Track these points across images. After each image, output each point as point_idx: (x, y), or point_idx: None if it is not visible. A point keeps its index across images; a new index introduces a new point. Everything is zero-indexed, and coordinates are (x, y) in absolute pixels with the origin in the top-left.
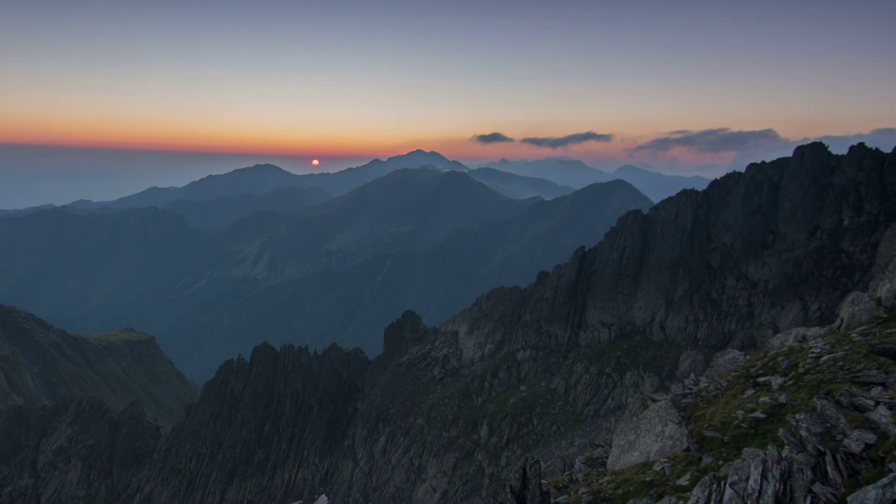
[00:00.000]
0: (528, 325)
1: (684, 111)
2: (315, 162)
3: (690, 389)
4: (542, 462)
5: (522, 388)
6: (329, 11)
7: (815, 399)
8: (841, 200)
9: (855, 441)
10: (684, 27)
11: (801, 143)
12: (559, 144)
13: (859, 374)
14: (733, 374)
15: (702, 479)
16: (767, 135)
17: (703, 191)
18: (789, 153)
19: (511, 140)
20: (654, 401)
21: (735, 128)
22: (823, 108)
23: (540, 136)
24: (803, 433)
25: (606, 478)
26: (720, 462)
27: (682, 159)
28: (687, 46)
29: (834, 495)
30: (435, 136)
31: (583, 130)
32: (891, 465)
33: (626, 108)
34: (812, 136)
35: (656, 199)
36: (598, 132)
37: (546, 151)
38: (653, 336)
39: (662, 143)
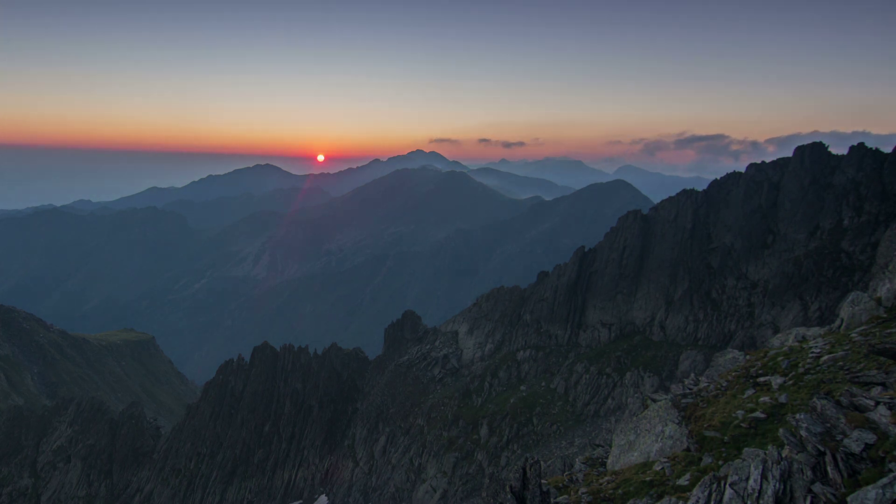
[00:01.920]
0: (528, 325)
1: (645, 115)
2: (320, 158)
3: (690, 389)
4: (542, 462)
5: (522, 388)
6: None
7: (815, 399)
8: (841, 200)
9: (855, 441)
10: (637, 37)
11: (755, 142)
12: (514, 145)
13: (859, 374)
14: (733, 374)
15: (702, 479)
16: (722, 139)
17: (703, 191)
18: (744, 153)
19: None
20: (654, 401)
21: (695, 131)
22: (770, 111)
23: (495, 139)
24: (803, 433)
25: (606, 478)
26: (720, 462)
27: (651, 160)
28: (644, 53)
29: (834, 495)
30: (403, 140)
31: (535, 136)
32: (891, 465)
33: (579, 113)
34: (762, 138)
35: (656, 199)
36: (544, 138)
37: (500, 152)
38: (653, 336)
39: (622, 146)
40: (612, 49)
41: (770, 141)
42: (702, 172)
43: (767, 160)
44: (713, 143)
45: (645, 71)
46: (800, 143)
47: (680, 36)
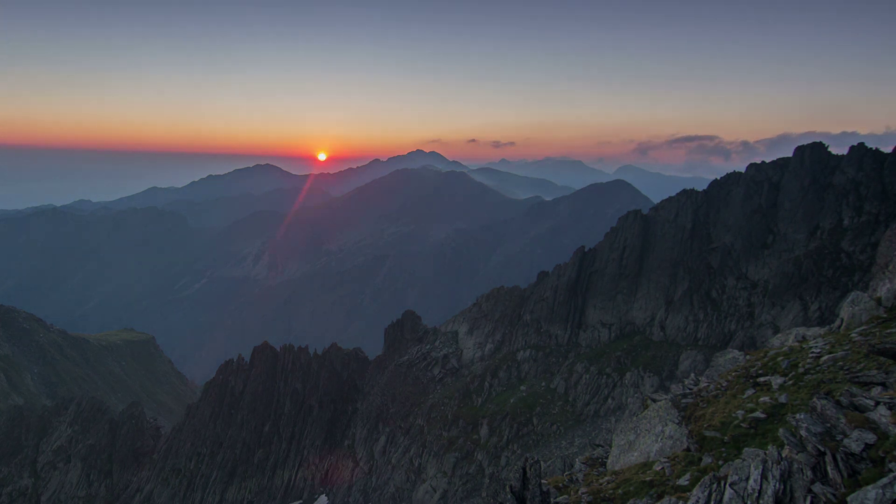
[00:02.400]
0: (528, 325)
1: (634, 116)
2: (321, 157)
3: (690, 389)
4: (542, 462)
5: (522, 388)
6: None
7: (815, 399)
8: (841, 200)
9: (855, 441)
10: (624, 39)
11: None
12: (505, 145)
13: (859, 374)
14: (733, 374)
15: (702, 479)
16: (713, 139)
17: (703, 191)
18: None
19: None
20: (654, 401)
21: (685, 132)
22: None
23: (483, 140)
24: (803, 433)
25: (606, 478)
26: (720, 462)
27: (645, 159)
28: (634, 55)
29: (834, 495)
30: (397, 142)
31: (526, 136)
32: (891, 465)
33: (569, 114)
34: (753, 138)
35: (656, 199)
36: (535, 139)
37: (489, 152)
38: (653, 336)
39: (612, 146)
40: (600, 51)
41: (760, 142)
42: (694, 172)
43: (755, 160)
44: (704, 144)
45: (634, 72)
46: (782, 144)
47: (670, 39)
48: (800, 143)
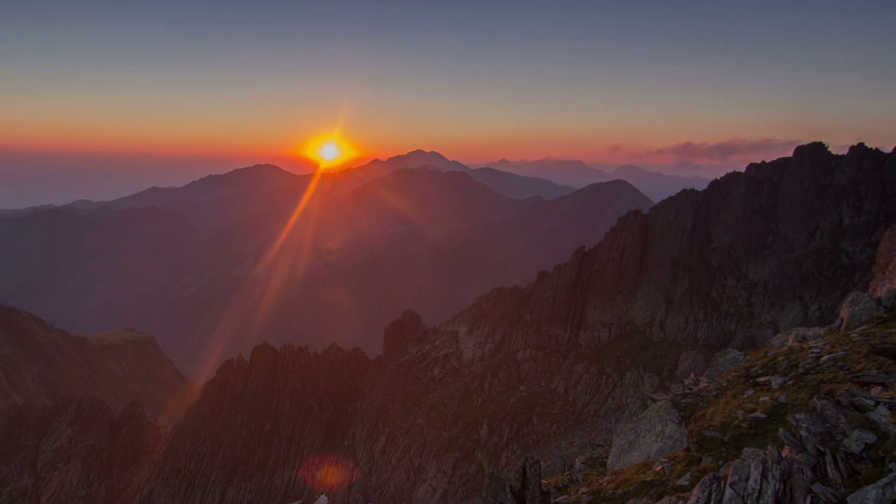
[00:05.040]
0: (528, 325)
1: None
2: (323, 156)
3: (690, 389)
4: (542, 462)
5: (522, 388)
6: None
7: (815, 399)
8: (841, 200)
9: (855, 441)
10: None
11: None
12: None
13: (859, 374)
14: (733, 374)
15: (702, 479)
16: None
17: (703, 191)
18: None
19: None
20: (654, 401)
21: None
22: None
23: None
24: (803, 433)
25: (606, 478)
26: (720, 462)
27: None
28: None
29: (834, 495)
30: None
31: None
32: (891, 465)
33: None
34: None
35: (656, 199)
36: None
37: (488, 152)
38: (653, 336)
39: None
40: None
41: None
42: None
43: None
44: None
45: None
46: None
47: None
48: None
